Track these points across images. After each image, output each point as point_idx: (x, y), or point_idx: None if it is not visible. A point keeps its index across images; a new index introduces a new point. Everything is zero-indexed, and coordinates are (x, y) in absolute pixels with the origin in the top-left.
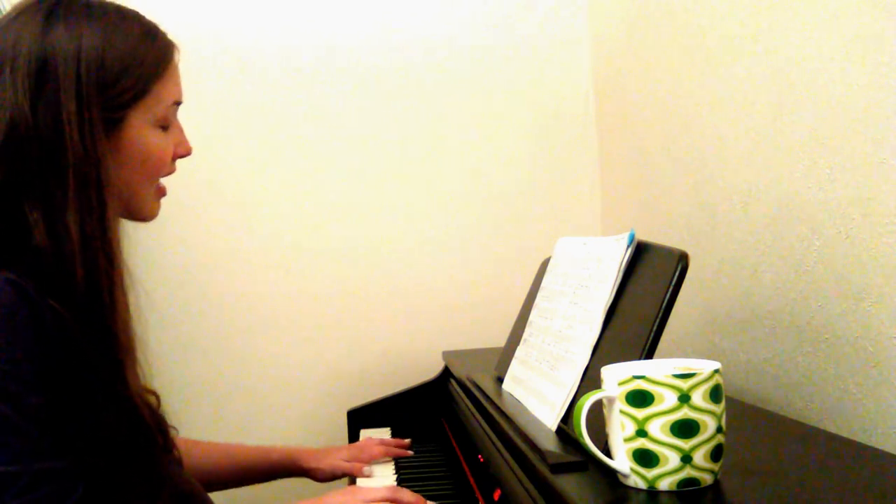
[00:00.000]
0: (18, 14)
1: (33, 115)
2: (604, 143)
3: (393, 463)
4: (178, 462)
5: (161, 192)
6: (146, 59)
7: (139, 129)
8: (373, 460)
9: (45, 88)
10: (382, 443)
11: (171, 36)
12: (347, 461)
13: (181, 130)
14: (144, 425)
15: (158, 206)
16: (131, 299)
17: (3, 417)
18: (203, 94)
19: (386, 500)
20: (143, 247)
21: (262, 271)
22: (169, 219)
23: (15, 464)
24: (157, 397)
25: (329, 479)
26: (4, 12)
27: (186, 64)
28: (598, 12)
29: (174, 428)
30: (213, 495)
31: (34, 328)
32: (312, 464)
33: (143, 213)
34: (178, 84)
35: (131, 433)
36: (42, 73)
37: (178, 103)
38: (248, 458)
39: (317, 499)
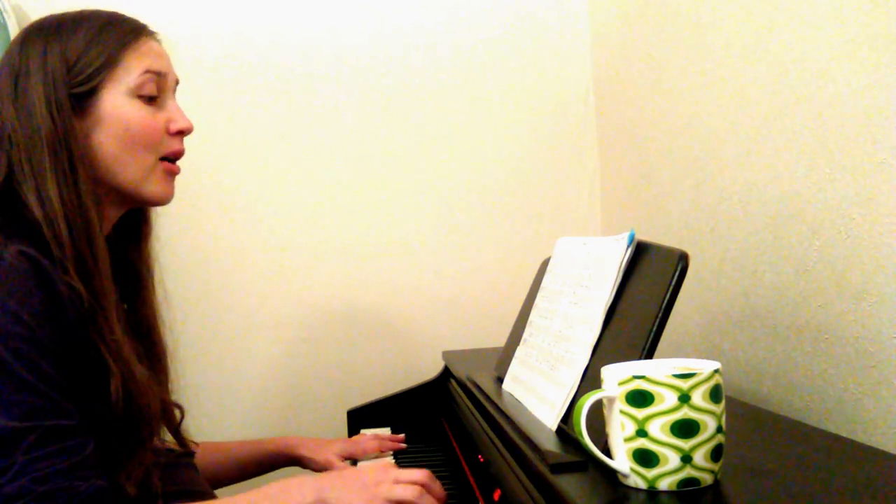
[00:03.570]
0: (8, 48)
1: (17, 113)
2: (604, 143)
3: (393, 461)
4: (195, 468)
5: (169, 170)
6: (111, 35)
7: (114, 98)
8: (366, 454)
9: (20, 86)
10: (376, 437)
11: (152, 25)
12: (342, 456)
13: (177, 109)
14: (137, 387)
15: (167, 188)
16: (166, 313)
17: (16, 376)
18: (201, 93)
19: (419, 485)
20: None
21: (261, 271)
22: (167, 219)
23: (27, 420)
24: (182, 411)
25: (322, 472)
26: (3, 11)
27: (185, 64)
28: (598, 12)
29: (195, 443)
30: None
31: (46, 296)
32: (307, 453)
33: (146, 191)
34: (151, 56)
35: (127, 395)
36: (18, 77)
37: (156, 73)
38: (245, 452)
39: (350, 470)
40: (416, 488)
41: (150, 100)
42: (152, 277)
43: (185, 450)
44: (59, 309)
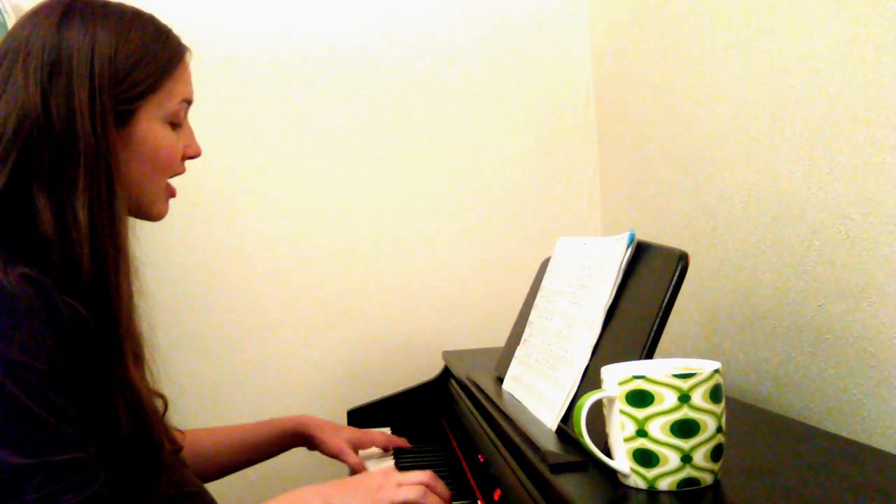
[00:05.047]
0: (34, 13)
1: (44, 105)
2: (604, 143)
3: (393, 462)
4: (183, 463)
5: (171, 192)
6: (159, 55)
7: (150, 123)
8: (372, 444)
9: (58, 80)
10: (385, 434)
11: (184, 40)
12: (351, 443)
13: (191, 132)
14: (147, 418)
15: (167, 207)
16: (140, 301)
17: (24, 409)
18: (201, 94)
19: (421, 485)
20: (141, 247)
21: (261, 271)
22: (167, 219)
23: (36, 456)
24: (165, 401)
25: (330, 456)
26: (3, 12)
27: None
28: (598, 12)
29: (180, 431)
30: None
31: (51, 322)
32: (320, 434)
33: (151, 212)
34: (188, 83)
35: (136, 425)
36: (56, 65)
37: (188, 101)
38: (254, 434)
39: (353, 478)
40: (420, 488)
41: (175, 125)
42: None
43: (173, 445)
44: (64, 336)
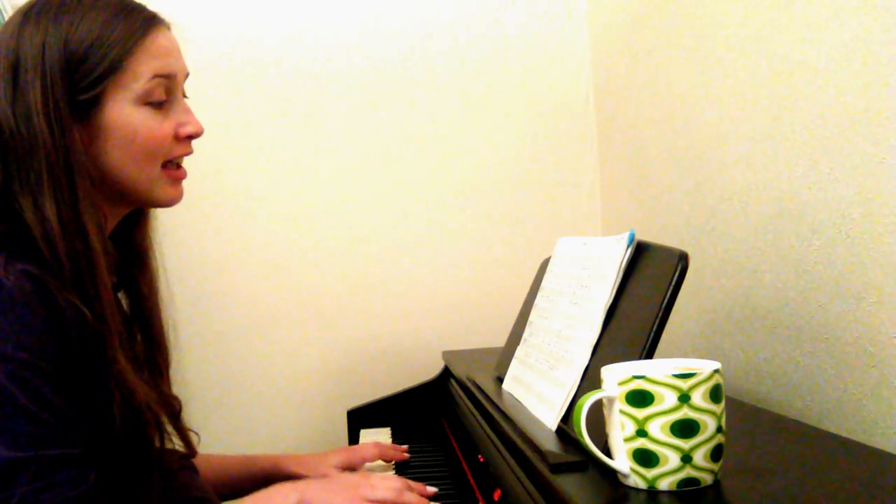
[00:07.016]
0: (8, 20)
1: (13, 109)
2: (604, 143)
3: (393, 463)
4: (194, 469)
5: (175, 175)
6: (114, 34)
7: (119, 107)
8: (365, 462)
9: (18, 83)
10: (377, 445)
11: (163, 14)
12: (340, 468)
13: (186, 110)
14: (140, 417)
15: (177, 190)
16: (170, 309)
17: (18, 405)
18: (203, 93)
19: (397, 488)
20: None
21: (261, 271)
22: (167, 219)
23: (29, 450)
24: (180, 403)
25: None
26: (3, 12)
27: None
28: (597, 11)
29: (195, 433)
30: None
31: (50, 319)
32: (300, 471)
33: (154, 198)
34: (162, 57)
35: (129, 423)
36: (14, 71)
37: (166, 77)
38: (233, 469)
39: (331, 477)
40: (396, 489)
41: (158, 104)
42: (153, 258)
43: (188, 448)
44: (62, 332)
